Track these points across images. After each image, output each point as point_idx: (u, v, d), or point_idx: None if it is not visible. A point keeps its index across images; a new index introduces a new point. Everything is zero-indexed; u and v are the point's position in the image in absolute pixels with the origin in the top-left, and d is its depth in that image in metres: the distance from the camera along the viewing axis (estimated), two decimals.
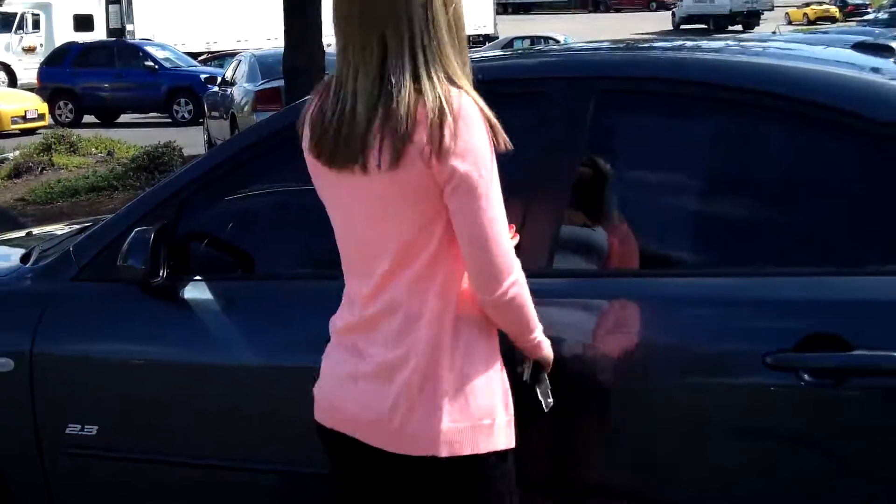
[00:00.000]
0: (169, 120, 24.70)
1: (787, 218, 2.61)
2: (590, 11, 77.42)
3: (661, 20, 65.39)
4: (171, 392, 2.98)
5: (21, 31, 36.86)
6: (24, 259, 3.40)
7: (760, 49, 3.08)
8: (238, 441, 2.89)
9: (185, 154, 12.46)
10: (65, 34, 35.14)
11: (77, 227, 3.87)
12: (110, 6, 37.80)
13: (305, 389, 2.30)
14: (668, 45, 3.57)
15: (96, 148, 14.84)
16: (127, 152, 14.13)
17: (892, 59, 2.97)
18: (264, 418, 2.86)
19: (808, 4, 68.72)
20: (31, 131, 22.36)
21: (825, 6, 66.03)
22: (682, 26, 63.35)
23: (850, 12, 59.51)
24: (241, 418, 2.89)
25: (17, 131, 22.58)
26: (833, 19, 61.14)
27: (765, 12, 63.67)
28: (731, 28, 60.28)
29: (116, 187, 11.17)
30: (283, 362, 2.84)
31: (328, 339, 2.30)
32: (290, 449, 2.81)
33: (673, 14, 66.80)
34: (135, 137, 16.59)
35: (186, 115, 24.53)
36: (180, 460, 2.97)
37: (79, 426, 3.02)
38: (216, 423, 2.93)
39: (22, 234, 4.32)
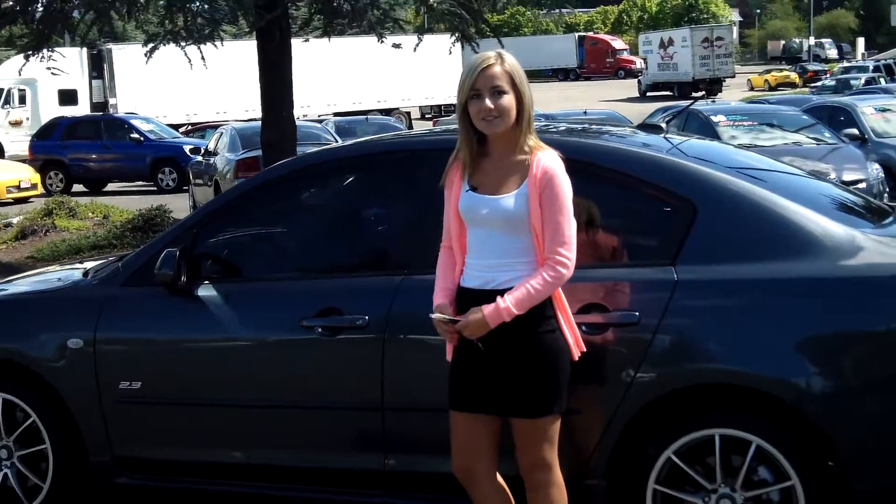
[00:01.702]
0: (154, 188, 26.01)
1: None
2: (560, 80, 79.50)
3: (627, 88, 67.26)
4: (189, 357, 4.53)
5: (8, 106, 37.75)
6: (85, 275, 4.95)
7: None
8: (231, 388, 4.41)
9: (174, 217, 13.88)
10: (50, 108, 36.04)
11: (112, 258, 5.41)
12: (94, 81, 38.46)
13: (279, 353, 3.86)
14: None
15: (93, 213, 16.16)
16: (121, 216, 15.52)
17: (661, 136, 4.53)
18: (251, 373, 4.38)
19: (769, 71, 70.77)
20: (25, 200, 23.63)
21: (785, 73, 68.03)
22: (648, 93, 65.16)
23: (809, 78, 61.21)
24: (235, 374, 4.41)
25: (11, 200, 23.85)
26: (793, 85, 63.14)
27: (727, 79, 65.46)
28: (694, 94, 62.12)
29: (115, 245, 12.56)
30: (263, 335, 4.39)
31: (295, 319, 3.87)
32: (270, 391, 4.34)
33: (639, 82, 68.66)
34: (123, 204, 17.88)
35: (171, 184, 25.95)
36: (195, 403, 4.49)
37: (128, 382, 4.54)
38: (217, 378, 4.45)
39: (77, 264, 5.87)
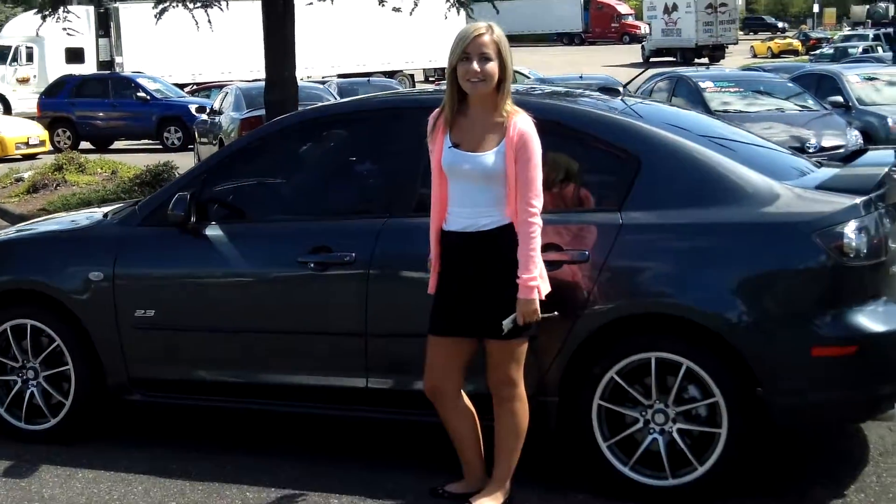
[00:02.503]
0: (160, 146, 26.55)
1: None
2: (565, 44, 79.57)
3: (631, 52, 67.47)
4: (197, 289, 5.11)
5: (15, 63, 38.17)
6: (104, 217, 5.54)
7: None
8: (234, 316, 5.00)
9: (179, 173, 14.44)
10: (57, 66, 36.51)
11: (129, 202, 5.99)
12: (100, 39, 38.94)
13: (277, 285, 4.58)
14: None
15: (101, 168, 16.70)
16: (128, 172, 16.08)
17: (619, 98, 5.10)
18: (252, 303, 4.97)
19: (772, 39, 70.85)
20: (33, 156, 24.20)
21: (788, 40, 68.08)
22: (651, 59, 65.30)
23: (812, 46, 61.26)
24: (237, 303, 5.00)
25: (19, 156, 24.41)
26: (796, 52, 63.29)
27: (729, 45, 65.60)
28: (697, 60, 62.27)
29: (123, 199, 13.15)
30: (263, 270, 4.98)
31: (291, 256, 4.51)
32: (268, 319, 4.93)
33: (643, 47, 68.79)
34: (130, 161, 18.38)
35: (176, 142, 26.49)
36: (203, 329, 5.08)
37: (143, 311, 5.13)
38: (222, 307, 5.04)
39: (97, 208, 6.47)
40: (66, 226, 5.81)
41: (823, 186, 4.47)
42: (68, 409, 5.30)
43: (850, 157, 5.54)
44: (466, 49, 4.12)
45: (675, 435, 4.34)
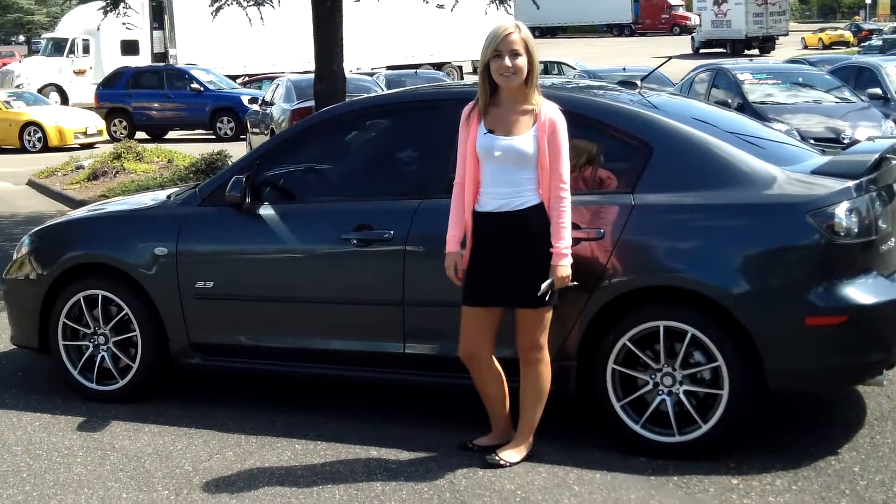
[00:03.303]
0: (213, 136, 27.27)
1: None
2: (615, 35, 79.49)
3: (682, 44, 67.34)
4: (252, 263, 5.64)
5: (72, 55, 38.99)
6: (168, 198, 6.09)
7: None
8: (285, 287, 5.52)
9: (232, 161, 15.01)
10: (112, 58, 37.35)
11: (188, 186, 6.54)
12: (155, 32, 39.45)
13: (323, 260, 5.21)
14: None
15: (158, 157, 17.40)
16: (184, 160, 16.73)
17: (637, 91, 5.55)
18: (300, 275, 5.49)
19: (823, 30, 70.28)
20: (90, 146, 24.94)
21: (840, 31, 67.52)
22: (701, 50, 65.14)
23: (864, 37, 60.71)
24: (288, 276, 5.53)
25: (77, 146, 25.21)
26: (847, 44, 62.78)
27: (780, 37, 65.25)
28: (747, 52, 62.08)
29: (179, 186, 13.78)
30: (311, 246, 5.50)
31: (336, 233, 5.13)
32: (315, 290, 5.45)
33: (692, 38, 68.59)
34: (184, 150, 19.06)
35: (228, 132, 27.18)
36: (257, 299, 5.61)
37: (203, 283, 5.67)
38: (274, 279, 5.56)
39: (160, 191, 7.04)
40: (133, 206, 6.39)
41: (819, 171, 4.91)
42: (135, 372, 5.86)
43: (849, 145, 5.95)
44: (498, 47, 4.61)
45: (682, 396, 4.80)
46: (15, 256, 6.36)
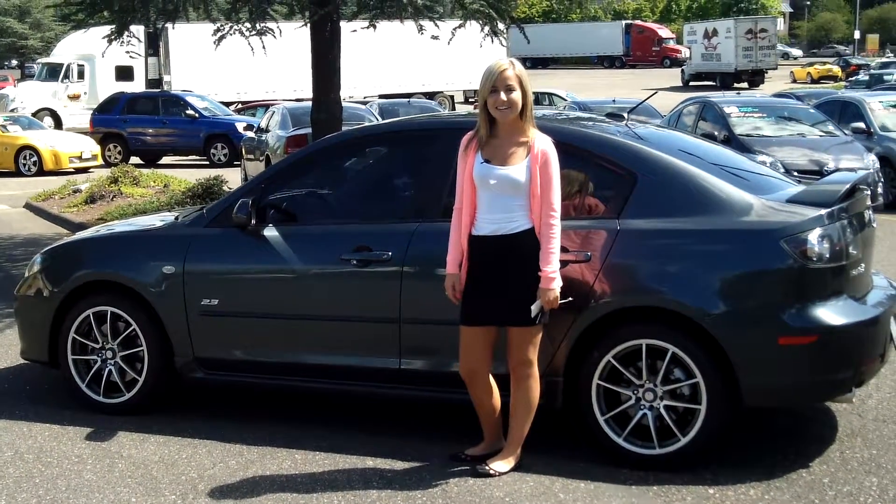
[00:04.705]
0: (206, 162, 27.56)
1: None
2: (606, 67, 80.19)
3: (672, 77, 67.99)
4: (256, 281, 5.92)
5: (67, 80, 39.32)
6: (176, 219, 6.38)
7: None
8: (287, 305, 5.79)
9: (228, 187, 15.28)
10: (107, 83, 37.63)
11: (194, 208, 6.82)
12: (149, 58, 39.60)
13: (324, 279, 5.46)
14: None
15: (154, 181, 17.67)
16: (180, 185, 16.99)
17: (623, 123, 5.85)
18: (302, 294, 5.77)
19: (811, 64, 71.07)
20: (85, 170, 25.14)
21: (828, 66, 68.31)
22: (691, 83, 65.77)
23: (852, 71, 61.38)
24: (290, 294, 5.80)
25: (72, 170, 25.38)
26: (836, 78, 63.46)
27: (769, 70, 65.96)
28: (736, 85, 62.67)
29: (176, 210, 14.04)
30: (312, 266, 5.78)
31: (336, 254, 5.42)
32: (315, 308, 5.72)
33: (682, 71, 69.28)
34: (179, 176, 19.35)
35: (222, 158, 27.50)
36: (260, 316, 5.87)
37: (208, 300, 5.94)
38: (277, 297, 5.83)
39: (167, 213, 7.32)
40: (141, 226, 6.67)
41: (793, 200, 5.22)
42: (141, 385, 6.12)
43: (824, 176, 6.27)
44: (494, 83, 4.93)
45: (662, 410, 5.08)
46: (26, 274, 6.64)
